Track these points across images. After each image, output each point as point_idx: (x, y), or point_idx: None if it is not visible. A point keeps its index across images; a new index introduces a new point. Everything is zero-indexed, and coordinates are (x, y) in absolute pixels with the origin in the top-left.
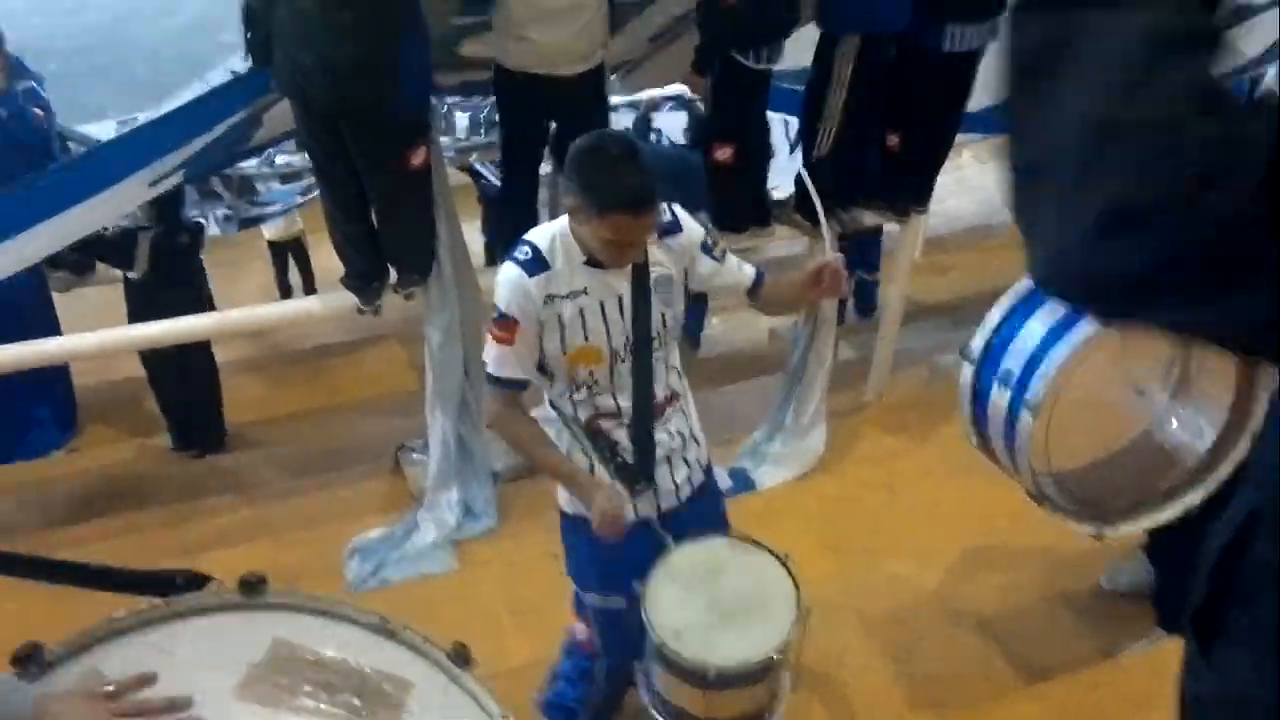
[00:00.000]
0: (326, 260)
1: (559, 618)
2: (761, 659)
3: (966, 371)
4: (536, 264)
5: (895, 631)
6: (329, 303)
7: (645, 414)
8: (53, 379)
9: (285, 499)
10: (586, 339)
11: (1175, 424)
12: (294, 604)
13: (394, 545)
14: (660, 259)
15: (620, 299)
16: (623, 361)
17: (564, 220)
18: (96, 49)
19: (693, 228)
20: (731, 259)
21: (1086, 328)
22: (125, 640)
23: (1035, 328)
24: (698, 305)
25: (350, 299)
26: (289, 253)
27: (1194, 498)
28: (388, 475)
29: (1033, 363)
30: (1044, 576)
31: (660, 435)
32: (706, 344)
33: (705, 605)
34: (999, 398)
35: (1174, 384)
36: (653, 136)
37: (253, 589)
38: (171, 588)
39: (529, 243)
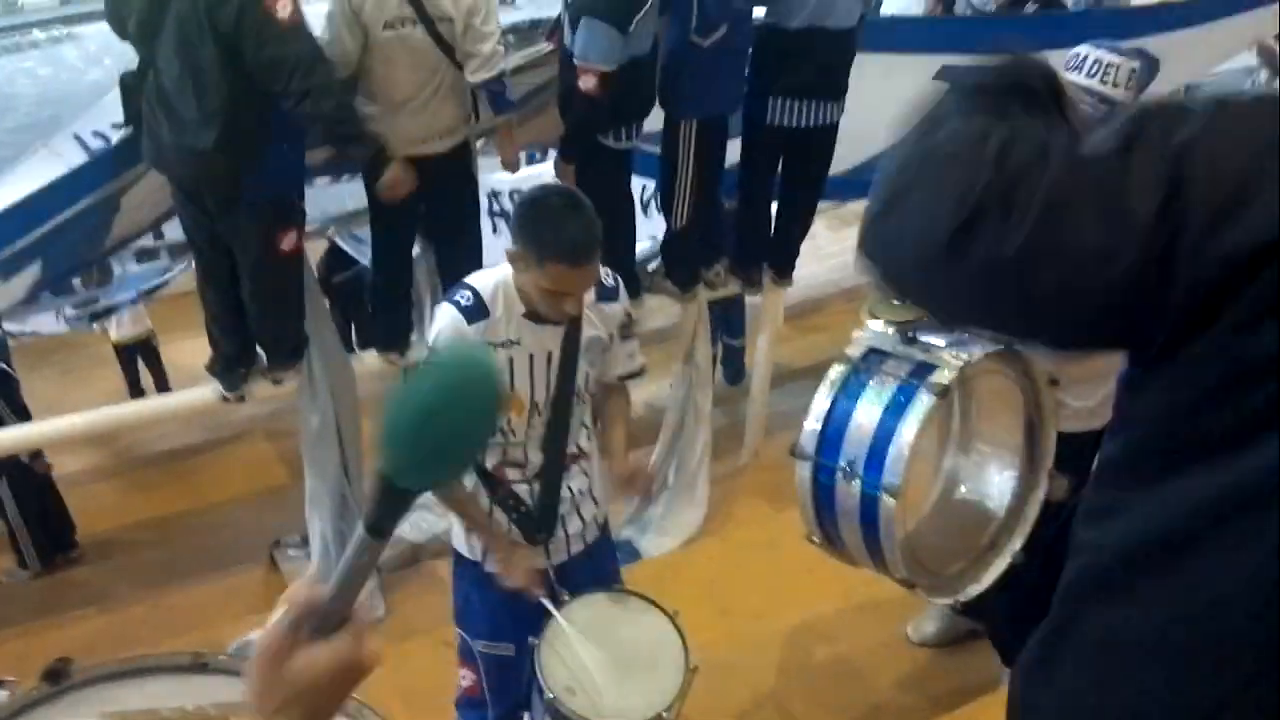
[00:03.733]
0: (180, 358)
1: (447, 705)
2: (652, 715)
3: (804, 469)
4: (477, 311)
5: (786, 688)
6: (188, 398)
7: (554, 469)
8: None
9: (152, 607)
10: (512, 390)
11: (968, 478)
12: (103, 675)
13: None
14: (593, 320)
15: (550, 355)
16: (539, 416)
17: (508, 268)
18: None
19: (624, 300)
20: (632, 344)
21: (923, 401)
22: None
23: (868, 411)
24: None
25: (211, 393)
26: (138, 354)
27: (1015, 543)
28: (263, 574)
29: (878, 446)
30: (930, 623)
31: (562, 492)
32: None
33: (598, 660)
34: (847, 489)
35: (956, 437)
36: (516, 198)
37: (57, 676)
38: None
39: (471, 288)
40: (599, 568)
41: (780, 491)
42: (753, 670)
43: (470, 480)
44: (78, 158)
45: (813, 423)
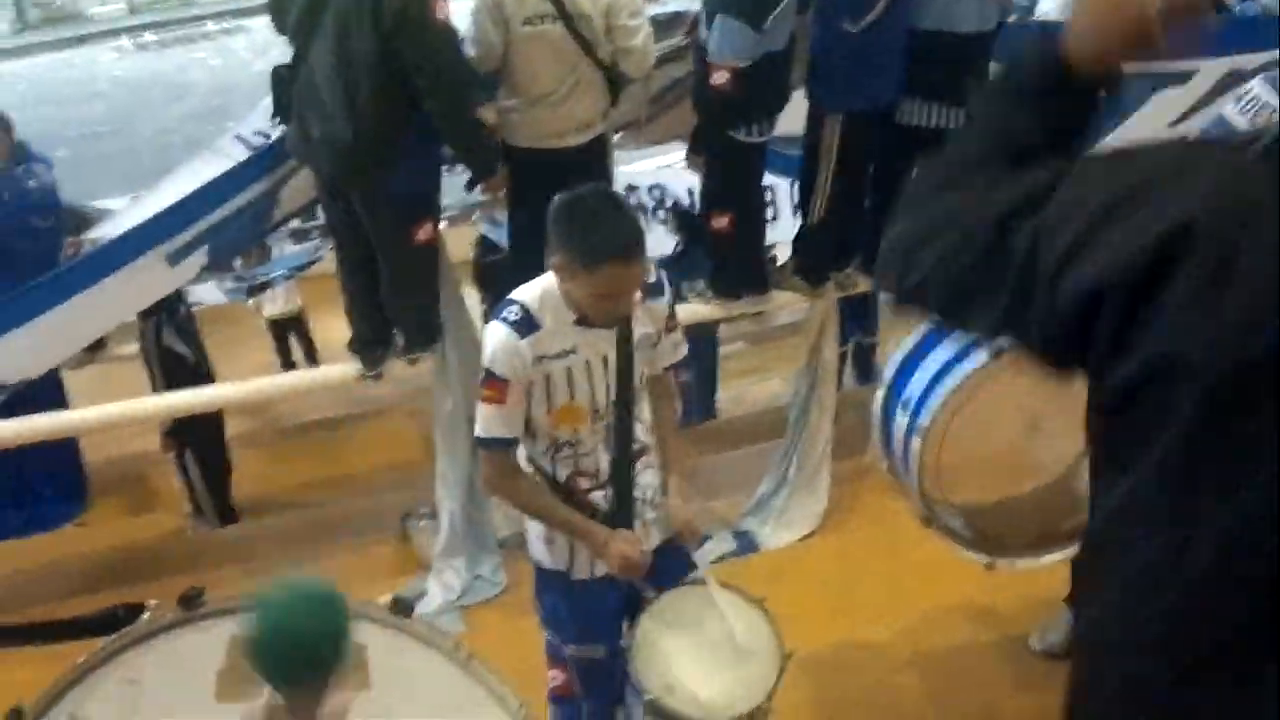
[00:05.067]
0: (327, 336)
1: None
2: (753, 708)
3: (878, 395)
4: (527, 324)
5: (898, 690)
6: (332, 373)
7: (624, 469)
8: (61, 453)
9: (292, 569)
10: (573, 398)
11: (1084, 472)
12: (233, 607)
13: None
14: (643, 318)
15: (605, 358)
16: (602, 420)
17: (551, 278)
18: (105, 137)
19: (667, 295)
20: (676, 335)
21: (975, 360)
22: (92, 680)
23: (939, 355)
24: (706, 372)
25: (352, 370)
26: (289, 329)
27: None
28: (395, 543)
29: (928, 390)
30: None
31: (634, 491)
32: (721, 406)
33: (691, 656)
34: (900, 421)
35: None
36: (655, 192)
37: (191, 603)
38: (116, 622)
39: (518, 302)
40: (676, 561)
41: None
42: (864, 671)
43: (547, 490)
44: (240, 156)
45: (898, 352)
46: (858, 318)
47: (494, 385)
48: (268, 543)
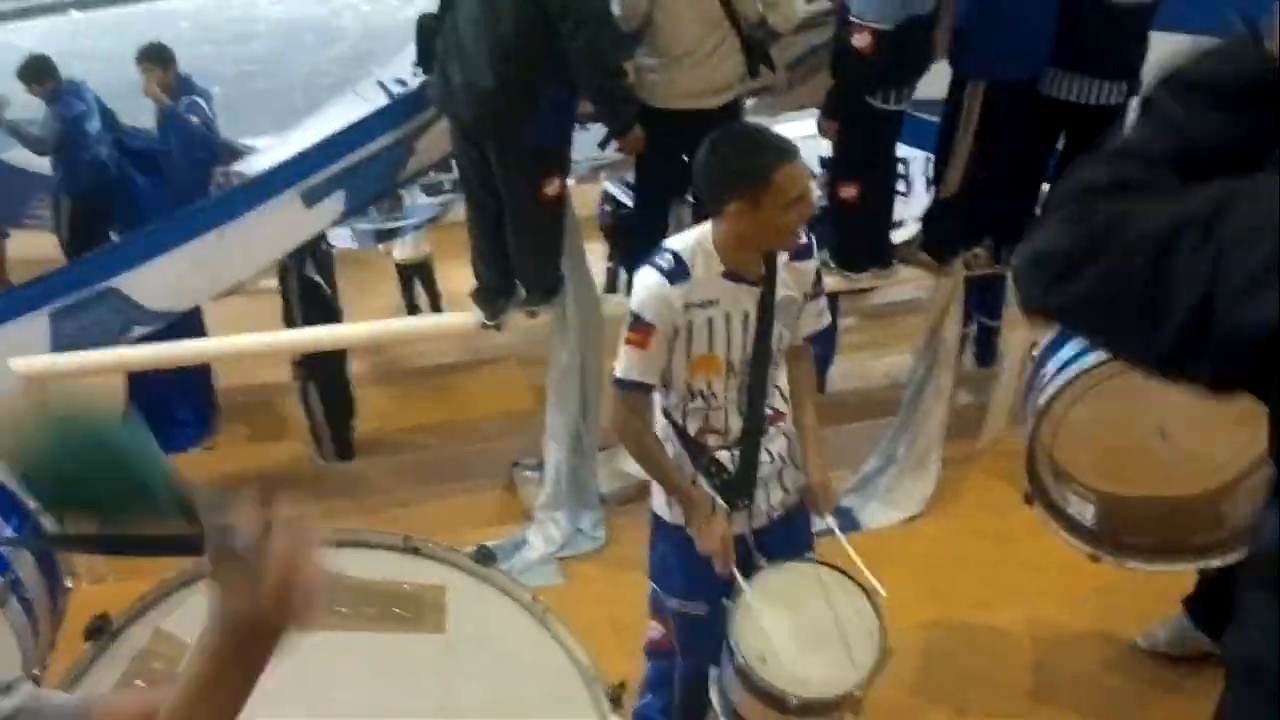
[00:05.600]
0: (451, 285)
1: None
2: (844, 692)
3: (1029, 367)
4: (679, 272)
5: (993, 681)
6: (454, 320)
7: (755, 431)
8: (195, 380)
9: (402, 508)
10: (711, 349)
11: (1245, 492)
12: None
13: (504, 557)
14: (787, 280)
15: (747, 315)
16: (738, 377)
17: (703, 229)
18: (258, 76)
19: (816, 257)
20: (820, 302)
21: (1088, 360)
22: (177, 597)
23: (1072, 346)
24: (823, 346)
25: (473, 318)
26: (416, 275)
27: (1216, 561)
28: (501, 490)
29: (1055, 375)
30: None
31: (761, 455)
32: (833, 381)
33: (791, 631)
34: (1033, 397)
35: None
36: None
37: None
38: (192, 548)
39: (671, 251)
40: (794, 537)
41: (1018, 481)
42: (957, 659)
43: (672, 448)
44: (380, 101)
45: (1052, 334)
46: (983, 299)
47: (640, 330)
48: (381, 480)
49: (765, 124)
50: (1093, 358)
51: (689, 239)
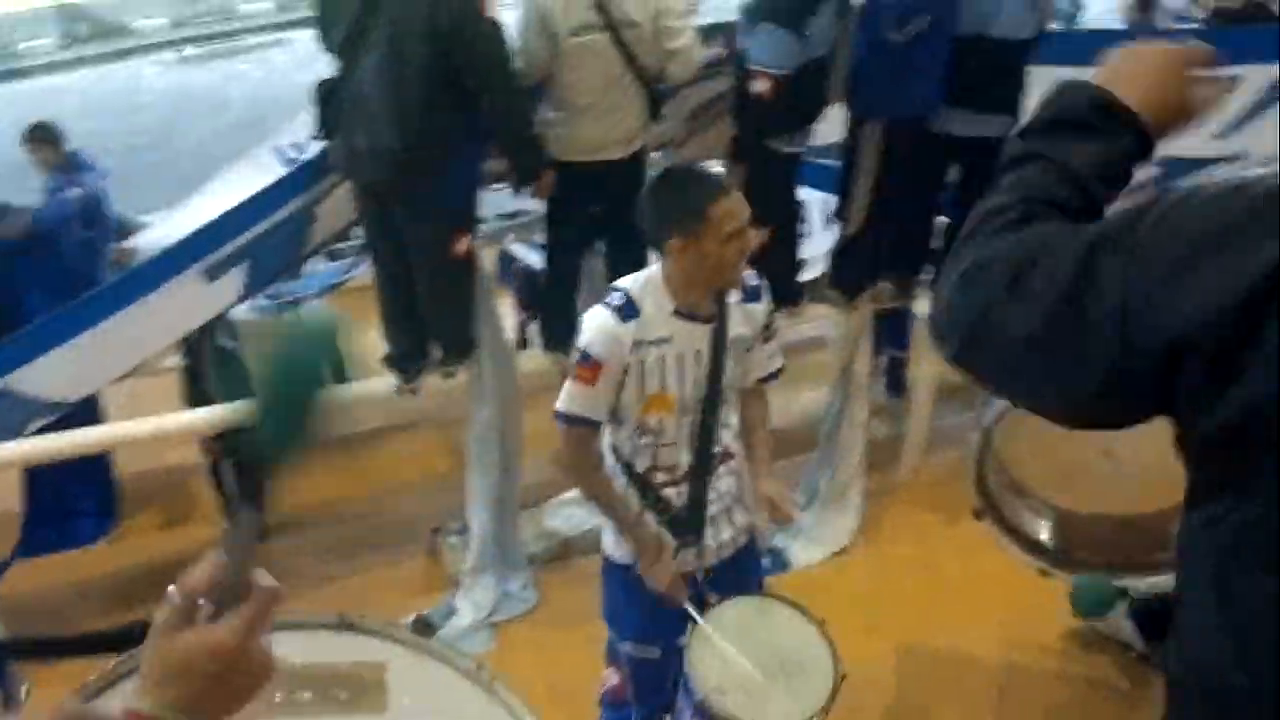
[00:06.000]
0: (361, 348)
1: (593, 703)
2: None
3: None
4: (629, 310)
5: (935, 710)
6: (366, 388)
7: (703, 469)
8: (94, 468)
9: (321, 584)
10: (664, 388)
11: None
12: None
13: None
14: (738, 319)
15: (699, 352)
16: (687, 415)
17: (654, 269)
18: (147, 148)
19: (767, 301)
20: (772, 345)
21: None
22: (108, 697)
23: None
24: None
25: (387, 384)
26: None
27: (1163, 576)
28: (424, 558)
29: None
30: (1089, 655)
31: (710, 494)
32: None
33: (747, 663)
34: (981, 413)
35: None
36: None
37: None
38: (133, 639)
39: (621, 289)
40: (743, 575)
41: (940, 508)
42: (897, 690)
43: (620, 483)
44: (278, 170)
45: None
46: (891, 331)
47: (588, 366)
48: (297, 556)
49: None
50: None
51: (640, 279)
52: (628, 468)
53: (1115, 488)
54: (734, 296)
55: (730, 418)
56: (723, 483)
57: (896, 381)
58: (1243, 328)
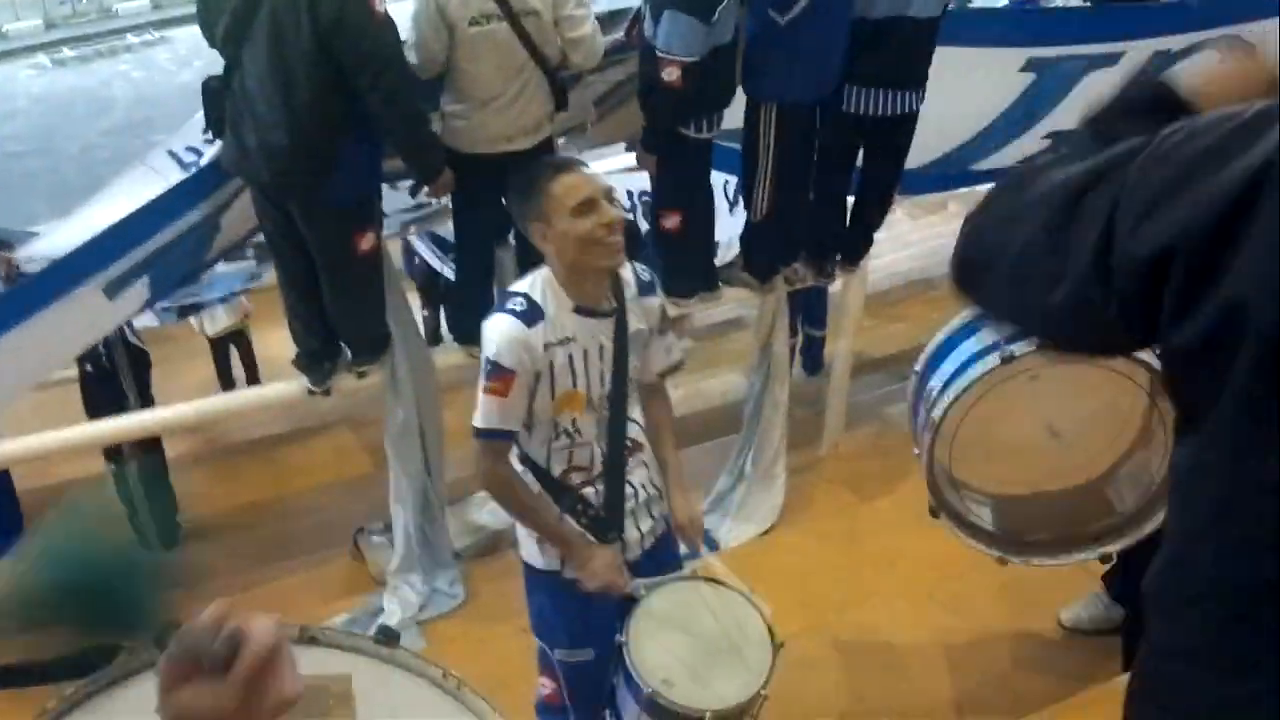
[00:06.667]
0: (270, 351)
1: (530, 693)
2: (751, 696)
3: (911, 383)
4: (533, 314)
5: (869, 680)
6: (277, 390)
7: (618, 465)
8: None
9: (244, 590)
10: (574, 385)
11: (1125, 477)
12: None
13: (360, 627)
14: (637, 313)
15: (602, 348)
16: (597, 411)
17: (544, 269)
18: (26, 155)
19: (660, 295)
20: (669, 338)
21: (989, 361)
22: (91, 704)
23: (967, 347)
24: None
25: (299, 386)
26: (231, 345)
27: (1114, 546)
28: (346, 560)
29: (945, 387)
30: (1008, 618)
31: (626, 489)
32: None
33: (686, 649)
34: (923, 412)
35: (1135, 436)
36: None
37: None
38: (88, 667)
39: (520, 294)
40: (665, 560)
41: (861, 482)
42: (832, 662)
43: (536, 487)
44: (174, 174)
45: (931, 346)
46: (807, 311)
47: (500, 378)
48: (218, 565)
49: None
50: (978, 367)
51: (534, 280)
52: (543, 473)
53: (1049, 465)
54: (629, 291)
55: (634, 411)
56: (635, 475)
57: (814, 360)
58: (1224, 231)
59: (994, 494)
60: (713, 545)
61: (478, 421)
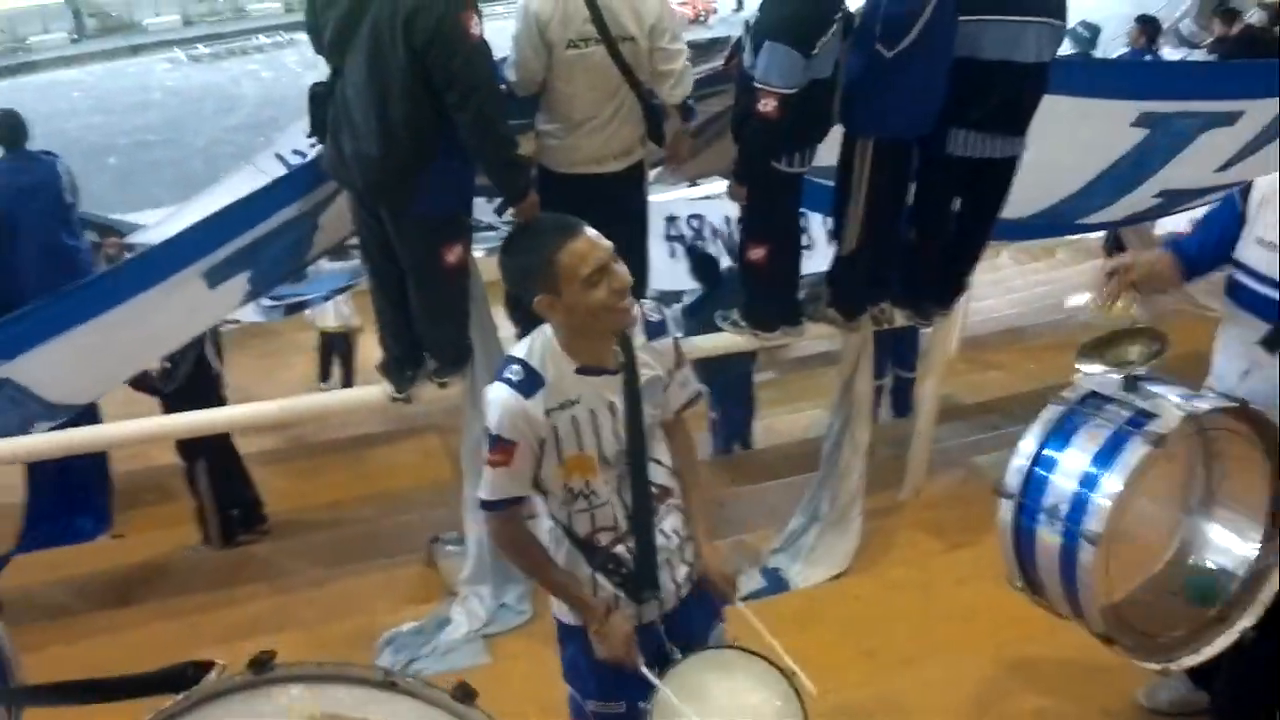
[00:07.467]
0: (373, 352)
1: None
2: None
3: (1006, 509)
4: (531, 382)
5: None
6: (362, 394)
7: (645, 521)
8: (94, 467)
9: (318, 588)
10: (581, 449)
11: (1208, 545)
12: (301, 674)
13: (426, 638)
14: (648, 360)
15: (612, 405)
16: (614, 468)
17: (545, 329)
18: (155, 145)
19: (672, 332)
20: (684, 371)
21: (1137, 450)
22: None
23: (1078, 455)
24: (743, 402)
25: (382, 391)
26: (337, 345)
27: (1247, 620)
28: (421, 566)
29: (1083, 492)
30: (1080, 688)
31: (658, 539)
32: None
33: None
34: (1049, 535)
35: (1198, 502)
36: (694, 222)
37: (262, 667)
38: (184, 681)
39: (518, 360)
40: (704, 607)
41: (940, 531)
42: (892, 714)
43: (566, 549)
44: (277, 174)
45: (1021, 460)
46: (897, 351)
47: (502, 450)
48: (295, 560)
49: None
50: (1128, 457)
51: (532, 344)
52: (570, 534)
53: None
54: (639, 339)
55: (661, 455)
56: (667, 522)
57: (902, 402)
58: None
59: (1122, 598)
60: (783, 586)
61: (483, 494)
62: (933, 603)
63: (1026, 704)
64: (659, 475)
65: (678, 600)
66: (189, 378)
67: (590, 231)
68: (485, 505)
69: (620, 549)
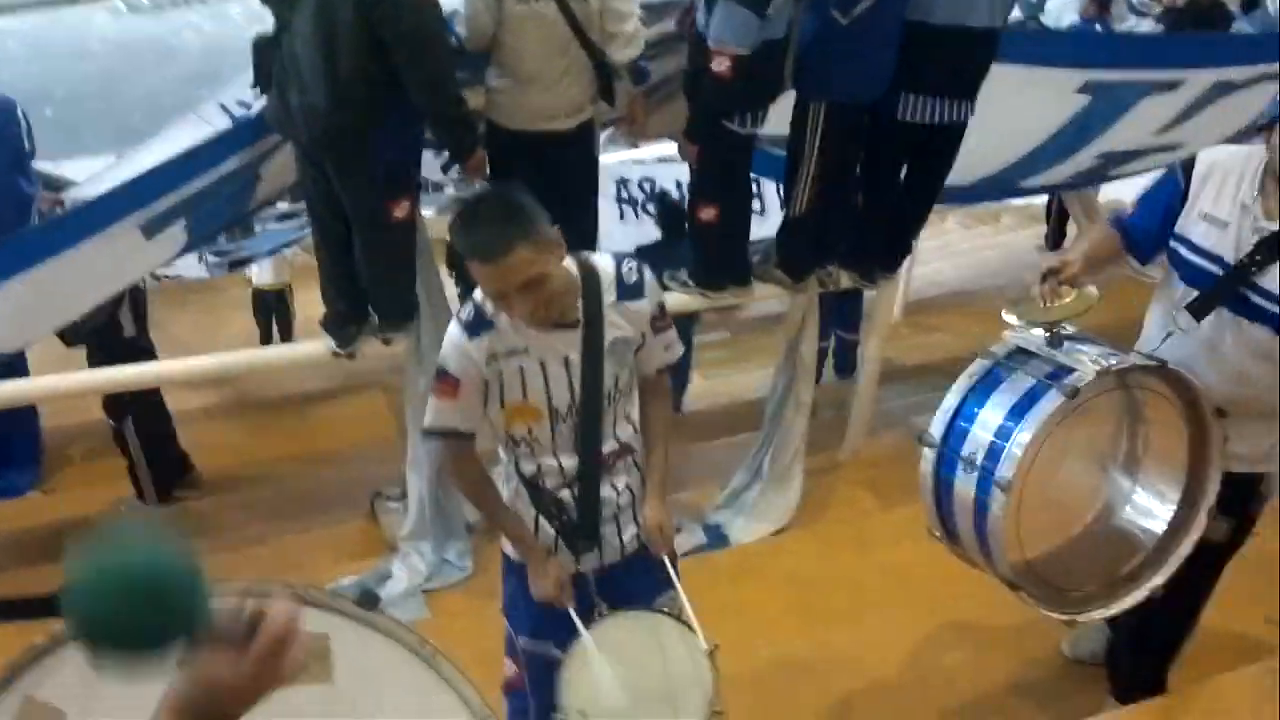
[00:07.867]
0: (313, 309)
1: None
2: None
3: (928, 457)
4: (478, 324)
5: (856, 694)
6: (303, 350)
7: (591, 475)
8: (21, 419)
9: (260, 544)
10: (525, 397)
11: (1129, 506)
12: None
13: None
14: (617, 320)
15: (567, 359)
16: (564, 422)
17: None
18: (93, 96)
19: (651, 295)
20: (668, 335)
21: (1052, 401)
22: (50, 663)
23: (997, 407)
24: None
25: (324, 347)
26: (272, 302)
27: (1157, 579)
28: (362, 522)
29: (998, 441)
30: (1012, 641)
31: (607, 492)
32: (689, 400)
33: (619, 686)
34: (964, 484)
35: (1122, 464)
36: (645, 185)
37: None
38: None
39: (473, 302)
40: (649, 568)
41: (879, 490)
42: (820, 671)
43: (510, 487)
44: (222, 125)
45: (944, 412)
46: (839, 313)
47: (445, 382)
48: (235, 516)
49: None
50: (1044, 407)
51: None
52: (518, 472)
53: (1078, 504)
54: (608, 296)
55: (630, 411)
56: (621, 479)
57: (845, 363)
58: None
59: (1040, 554)
60: (724, 541)
61: (425, 420)
62: (869, 559)
63: (958, 656)
64: (625, 432)
65: (620, 558)
66: (96, 334)
67: (511, 259)
68: (424, 433)
69: (565, 494)
